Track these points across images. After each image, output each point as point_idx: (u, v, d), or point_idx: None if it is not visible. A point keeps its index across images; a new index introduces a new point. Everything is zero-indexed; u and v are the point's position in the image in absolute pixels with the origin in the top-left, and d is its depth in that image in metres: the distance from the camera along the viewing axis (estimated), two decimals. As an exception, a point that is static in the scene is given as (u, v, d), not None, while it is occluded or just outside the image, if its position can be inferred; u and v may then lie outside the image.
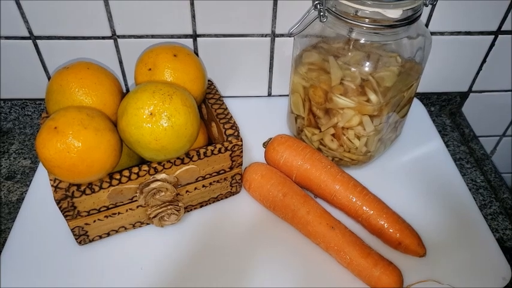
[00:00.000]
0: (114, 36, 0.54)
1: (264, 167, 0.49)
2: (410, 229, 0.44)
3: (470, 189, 0.53)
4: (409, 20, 0.41)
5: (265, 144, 0.52)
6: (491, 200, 0.53)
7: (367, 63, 0.44)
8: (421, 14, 0.42)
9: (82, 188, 0.40)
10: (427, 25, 0.56)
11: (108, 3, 0.51)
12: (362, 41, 0.44)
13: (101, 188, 0.40)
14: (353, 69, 0.44)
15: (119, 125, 0.39)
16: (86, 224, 0.43)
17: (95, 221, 0.43)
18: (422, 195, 0.51)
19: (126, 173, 0.41)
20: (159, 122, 0.37)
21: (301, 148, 0.49)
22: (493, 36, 0.58)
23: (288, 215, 0.46)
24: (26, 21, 0.51)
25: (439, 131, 0.61)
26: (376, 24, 0.41)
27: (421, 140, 0.58)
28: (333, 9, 0.42)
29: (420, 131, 0.59)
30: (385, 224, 0.44)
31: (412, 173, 0.53)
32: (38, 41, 0.54)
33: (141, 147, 0.38)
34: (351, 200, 0.46)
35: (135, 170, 0.41)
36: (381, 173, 0.53)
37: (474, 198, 0.52)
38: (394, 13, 0.39)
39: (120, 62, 0.57)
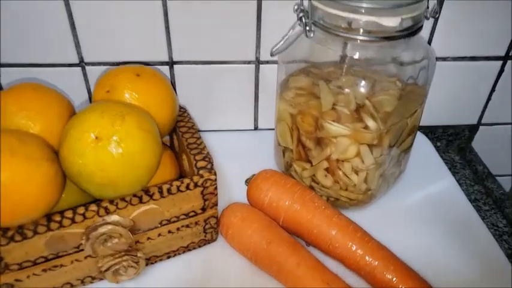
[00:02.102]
0: (81, 64, 0.49)
1: (244, 208, 0.41)
2: (425, 284, 0.36)
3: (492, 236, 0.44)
4: (409, 31, 0.35)
5: (247, 182, 0.44)
6: (519, 248, 0.45)
7: (363, 83, 0.38)
8: (422, 27, 0.37)
9: (9, 234, 0.32)
10: (427, 50, 0.51)
11: (75, 28, 0.46)
12: (356, 57, 0.37)
13: (35, 233, 0.32)
14: (347, 90, 0.38)
15: (60, 153, 0.32)
16: (17, 280, 0.34)
17: (29, 277, 0.35)
18: (436, 242, 0.43)
19: (68, 213, 0.33)
20: (106, 148, 0.30)
21: (290, 185, 0.41)
22: (501, 62, 0.52)
23: (273, 268, 0.38)
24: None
25: (448, 169, 0.53)
26: (372, 36, 0.35)
27: (429, 178, 0.50)
28: (321, 21, 0.36)
29: (427, 167, 0.52)
30: (394, 279, 0.35)
31: (421, 215, 0.46)
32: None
33: (84, 180, 0.31)
34: (350, 248, 0.38)
35: (81, 210, 0.33)
36: (385, 215, 0.45)
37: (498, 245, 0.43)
38: (391, 21, 0.33)
39: (89, 91, 0.51)
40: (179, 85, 0.52)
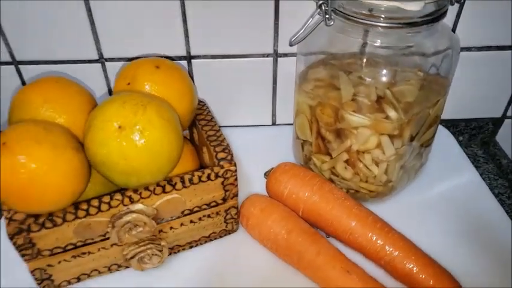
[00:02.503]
0: (101, 60, 0.50)
1: (264, 199, 0.41)
2: (446, 274, 0.35)
3: (517, 230, 0.43)
4: (432, 16, 0.35)
5: (266, 174, 0.44)
6: (546, 243, 0.43)
7: (384, 72, 0.38)
8: (445, 13, 0.36)
9: (40, 220, 0.33)
10: (449, 40, 0.50)
11: (94, 24, 0.47)
12: (377, 45, 0.37)
13: (64, 220, 0.34)
14: (368, 79, 0.38)
15: (84, 144, 0.33)
16: (49, 265, 0.36)
17: (60, 262, 0.36)
18: (459, 237, 0.42)
19: (94, 202, 0.34)
20: (130, 137, 0.30)
21: (309, 177, 0.42)
22: (528, 52, 0.51)
23: (293, 258, 0.38)
24: (7, 45, 0.48)
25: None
26: (395, 22, 0.34)
27: (451, 171, 0.49)
28: (341, 9, 0.36)
29: (449, 160, 0.51)
30: (415, 268, 0.35)
31: (443, 209, 0.45)
32: (20, 66, 0.49)
33: (108, 169, 0.32)
34: (370, 238, 0.38)
35: (106, 199, 0.34)
36: (405, 209, 0.45)
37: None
38: (415, 5, 0.33)
39: (109, 87, 0.52)
40: (197, 80, 0.52)
